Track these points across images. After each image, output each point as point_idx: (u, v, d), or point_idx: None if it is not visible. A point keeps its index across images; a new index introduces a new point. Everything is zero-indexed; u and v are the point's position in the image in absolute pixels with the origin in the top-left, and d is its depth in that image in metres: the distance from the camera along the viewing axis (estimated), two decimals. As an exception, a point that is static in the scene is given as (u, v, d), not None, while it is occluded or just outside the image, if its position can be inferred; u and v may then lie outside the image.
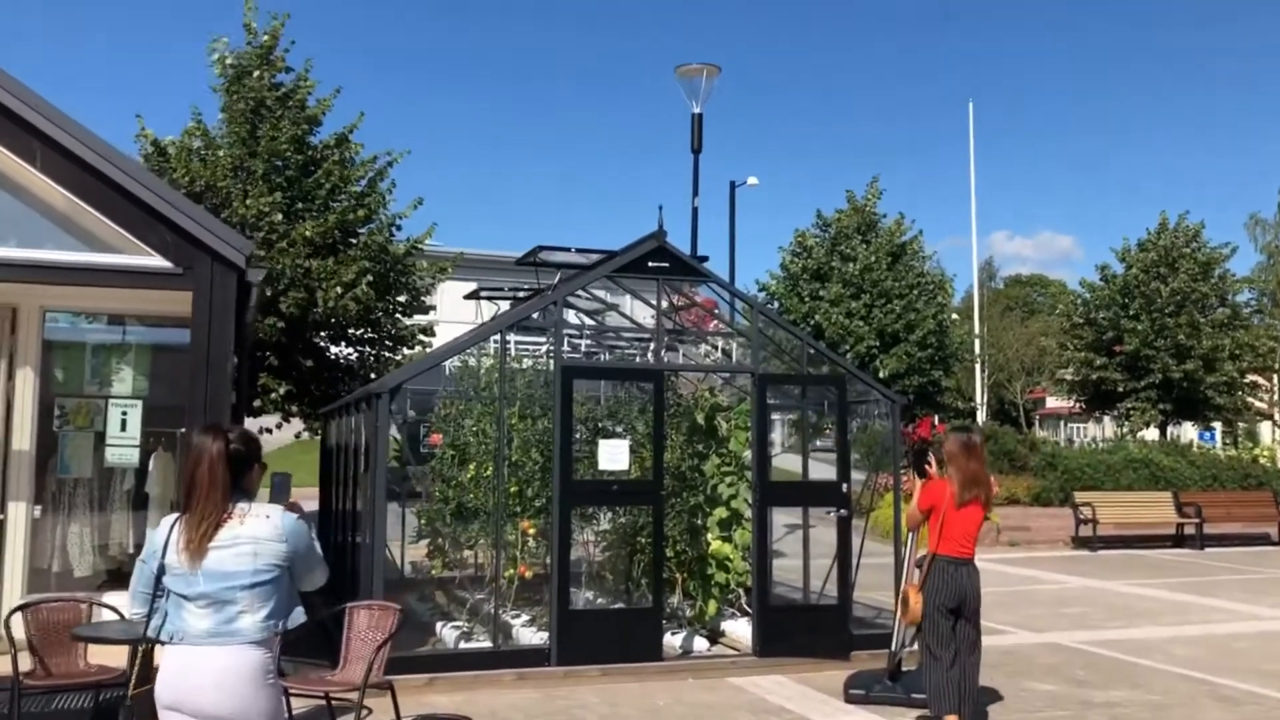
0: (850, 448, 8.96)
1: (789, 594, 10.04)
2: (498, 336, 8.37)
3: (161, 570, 3.48)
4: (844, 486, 8.66)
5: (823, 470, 9.66)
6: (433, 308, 16.83)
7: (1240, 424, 31.22)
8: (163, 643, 3.49)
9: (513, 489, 8.97)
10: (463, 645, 8.37)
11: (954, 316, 29.64)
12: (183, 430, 7.46)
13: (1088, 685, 7.99)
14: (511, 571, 9.00)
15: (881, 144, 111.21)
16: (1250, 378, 27.62)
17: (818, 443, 10.77)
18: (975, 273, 42.72)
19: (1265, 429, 39.18)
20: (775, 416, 12.88)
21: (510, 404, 9.16)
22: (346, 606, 6.36)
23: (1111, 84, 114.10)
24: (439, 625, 9.22)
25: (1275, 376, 33.26)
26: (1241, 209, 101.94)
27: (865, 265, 23.84)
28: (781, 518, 10.18)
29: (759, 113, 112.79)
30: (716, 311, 12.52)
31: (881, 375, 22.33)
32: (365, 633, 6.18)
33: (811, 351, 9.84)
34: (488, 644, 8.13)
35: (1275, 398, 34.54)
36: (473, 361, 10.63)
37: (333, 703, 6.17)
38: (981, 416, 38.30)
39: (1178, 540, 18.65)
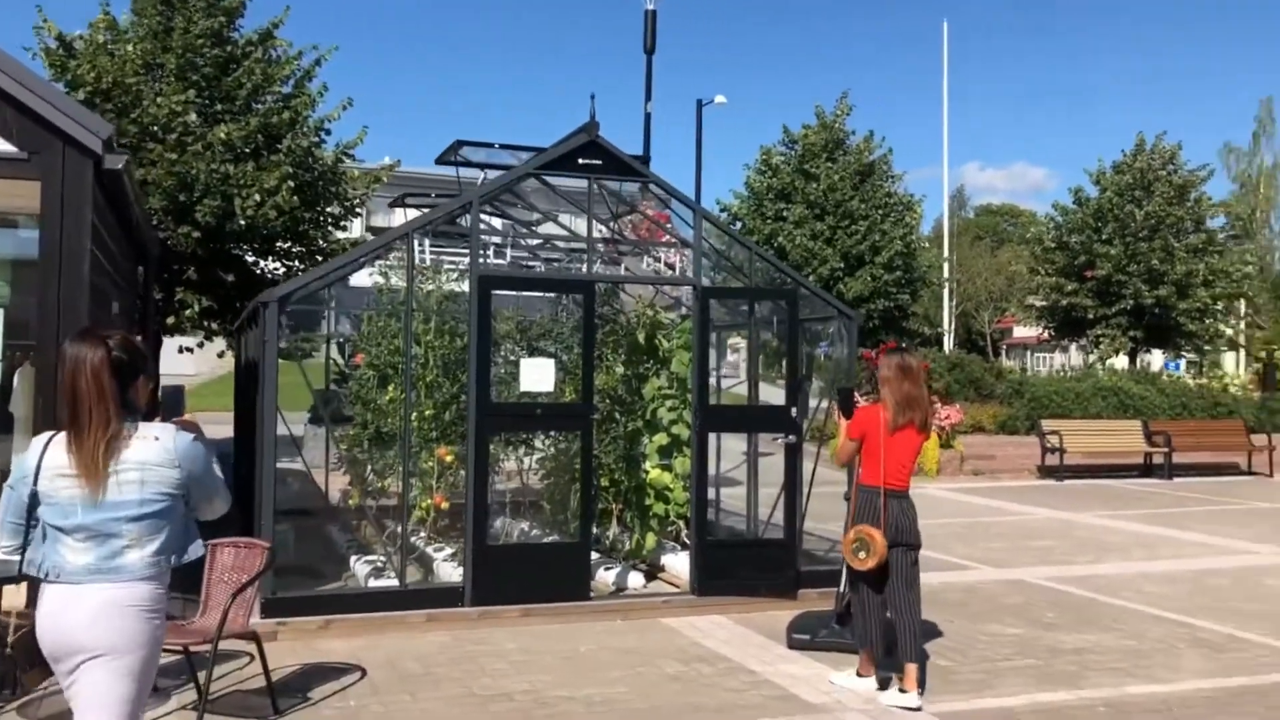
0: (802, 368, 8.12)
1: (737, 526, 9.31)
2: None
3: (34, 499, 3.09)
4: (793, 410, 7.85)
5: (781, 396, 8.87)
6: (373, 228, 15.81)
7: (1206, 352, 30.78)
8: (37, 580, 3.13)
9: (428, 412, 8.11)
10: (371, 583, 7.56)
11: (925, 244, 28.86)
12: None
13: (1056, 628, 7.30)
14: (428, 502, 8.18)
15: (854, 72, 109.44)
16: (1222, 304, 27.06)
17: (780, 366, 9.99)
18: (945, 199, 41.91)
19: (1229, 359, 38.94)
20: (738, 340, 12.07)
21: (427, 319, 8.26)
22: (210, 543, 5.50)
23: (1090, 14, 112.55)
24: (353, 559, 8.43)
25: (1242, 303, 32.81)
26: (1217, 138, 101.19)
27: (830, 185, 22.90)
28: (737, 444, 9.41)
29: (730, 29, 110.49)
30: (669, 226, 11.60)
31: (847, 298, 21.54)
32: (228, 574, 5.34)
33: (760, 264, 8.96)
34: (394, 582, 7.31)
35: (1243, 326, 34.16)
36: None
37: (192, 655, 5.34)
38: (949, 343, 37.74)
39: (1146, 470, 18.13)
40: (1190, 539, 11.31)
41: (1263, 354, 31.06)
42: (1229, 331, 29.41)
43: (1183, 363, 34.28)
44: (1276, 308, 47.40)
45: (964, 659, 6.52)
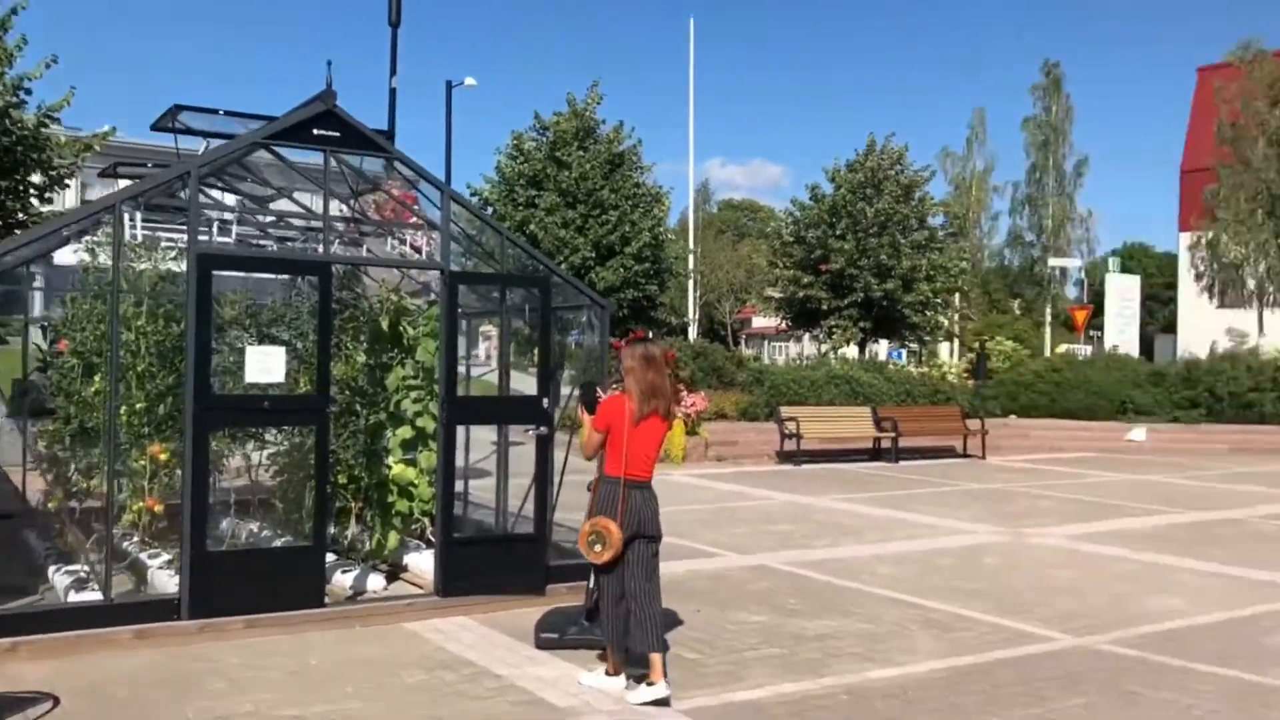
0: (554, 357, 7.89)
1: (487, 521, 8.97)
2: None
3: None
4: (544, 401, 7.60)
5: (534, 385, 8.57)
6: (88, 203, 14.34)
7: (926, 342, 32.98)
8: None
9: (139, 405, 7.31)
10: (72, 597, 6.74)
11: (672, 237, 29.39)
12: None
13: (799, 615, 7.42)
14: (140, 505, 7.39)
15: (605, 65, 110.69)
16: (941, 297, 29.04)
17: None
18: (691, 193, 42.94)
19: (945, 349, 42.04)
20: (490, 328, 11.68)
21: (139, 302, 7.43)
22: None
23: (833, 12, 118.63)
24: (52, 570, 7.51)
25: (957, 297, 35.38)
26: (938, 142, 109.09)
27: (581, 173, 22.87)
28: (487, 434, 9.05)
29: (483, 14, 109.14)
30: (416, 207, 11.08)
31: (598, 288, 21.57)
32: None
33: (512, 250, 8.64)
34: (97, 595, 6.53)
35: (958, 318, 36.86)
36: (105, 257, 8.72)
37: None
38: (693, 333, 38.73)
39: (875, 453, 19.13)
40: (918, 520, 11.93)
41: (975, 344, 33.68)
42: (946, 323, 31.67)
43: (904, 352, 36.63)
44: (985, 302, 51.57)
45: (711, 650, 6.49)
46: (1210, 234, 33.53)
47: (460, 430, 7.83)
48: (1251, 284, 32.94)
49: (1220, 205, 32.88)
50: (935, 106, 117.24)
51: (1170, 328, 58.88)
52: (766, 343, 63.50)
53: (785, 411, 18.51)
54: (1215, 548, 10.31)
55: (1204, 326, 41.89)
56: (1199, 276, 34.78)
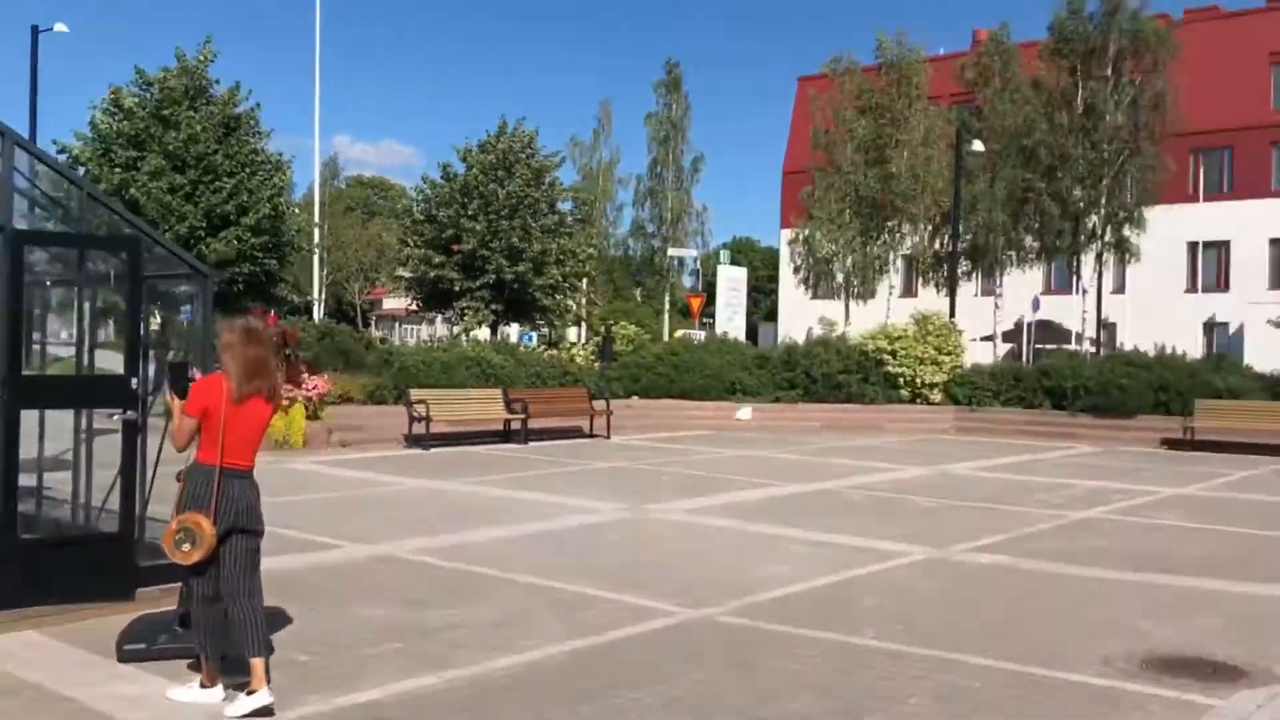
0: (144, 332, 7.00)
1: (65, 519, 7.84)
2: None
3: None
4: (133, 382, 6.72)
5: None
6: None
7: (555, 325, 33.61)
8: None
9: None
10: None
11: (295, 209, 27.81)
12: None
13: (426, 605, 7.08)
14: None
15: (222, 28, 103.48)
16: (570, 282, 29.66)
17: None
18: (317, 166, 40.97)
19: (573, 332, 43.15)
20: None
21: None
22: None
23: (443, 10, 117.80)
24: None
25: (585, 281, 36.38)
26: (568, 131, 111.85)
27: (191, 135, 21.02)
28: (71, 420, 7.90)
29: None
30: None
31: (209, 261, 19.91)
32: None
33: (102, 212, 7.60)
34: None
35: (585, 302, 37.88)
36: None
37: None
38: (318, 313, 37.05)
39: (505, 435, 19.12)
40: (548, 500, 11.95)
41: (601, 328, 34.74)
42: (575, 307, 32.46)
43: (535, 335, 37.11)
44: (611, 288, 53.39)
45: (327, 651, 6.00)
46: (806, 231, 36.63)
47: (37, 416, 6.78)
48: (840, 277, 36.40)
49: (815, 205, 36.01)
50: (565, 97, 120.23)
51: (772, 316, 64.15)
52: (398, 325, 62.18)
53: (415, 394, 18.03)
54: (815, 517, 11.12)
55: (801, 315, 46.03)
56: (797, 270, 37.94)
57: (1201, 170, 46.15)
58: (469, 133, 62.39)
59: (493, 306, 26.86)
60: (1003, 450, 19.14)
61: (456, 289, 26.74)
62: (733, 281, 40.73)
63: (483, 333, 28.48)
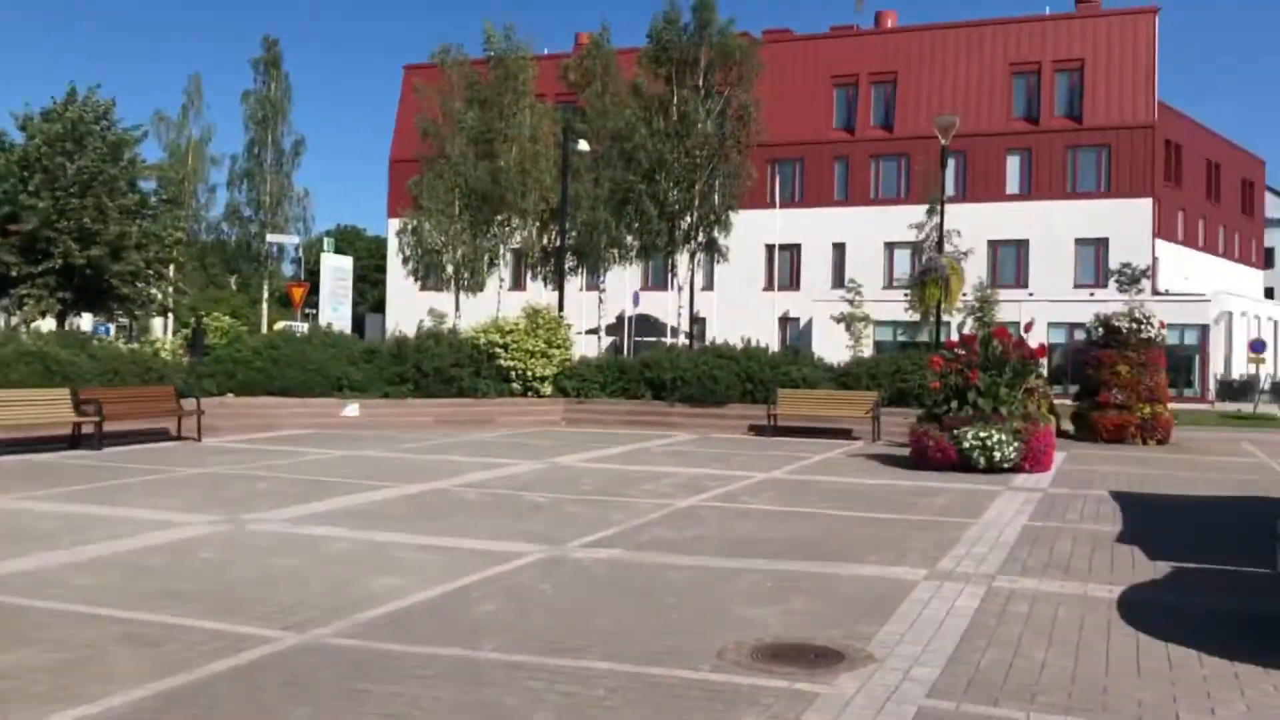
0: None
1: None
2: None
3: None
4: None
5: None
6: None
7: (137, 316, 30.60)
8: None
9: None
10: None
11: None
12: None
13: (-39, 655, 5.91)
14: None
15: None
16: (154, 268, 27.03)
17: None
18: None
19: (158, 324, 39.57)
20: None
21: None
22: None
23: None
24: None
25: (172, 268, 33.46)
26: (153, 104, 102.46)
27: None
28: None
29: None
30: None
31: None
32: None
33: None
34: None
35: (173, 291, 34.81)
36: None
37: None
38: None
39: (75, 441, 16.96)
40: (125, 516, 10.62)
41: (191, 319, 32.00)
42: (160, 296, 29.65)
43: (112, 327, 33.55)
44: (203, 276, 49.64)
45: None
46: (415, 221, 35.99)
47: None
48: (450, 269, 36.11)
49: (424, 195, 35.46)
50: (149, 68, 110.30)
51: (380, 307, 62.66)
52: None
53: (-43, 395, 15.49)
54: (428, 520, 10.72)
55: (410, 307, 45.26)
56: (405, 260, 37.19)
57: (777, 180, 50.55)
58: (31, 98, 55.43)
59: (60, 294, 23.84)
60: (610, 441, 19.73)
61: (14, 274, 23.47)
62: (338, 271, 39.25)
63: (48, 323, 25.24)
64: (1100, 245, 48.79)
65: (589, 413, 24.14)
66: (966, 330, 29.36)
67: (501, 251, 37.81)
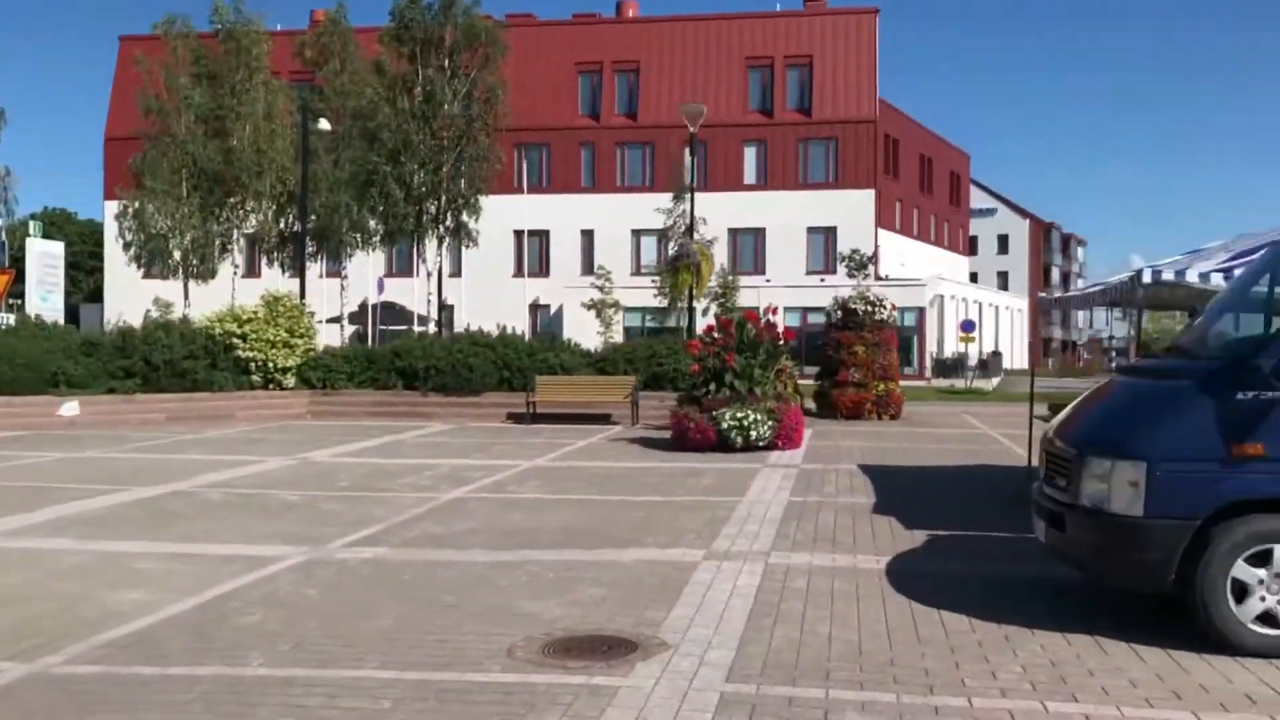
0: None
1: None
2: None
3: None
4: None
5: None
6: None
7: None
8: None
9: None
10: None
11: None
12: None
13: None
14: None
15: None
16: None
17: None
18: None
19: None
20: None
21: None
22: None
23: None
24: None
25: None
26: None
27: None
28: None
29: None
30: None
31: None
32: None
33: None
34: None
35: None
36: None
37: None
38: None
39: None
40: None
41: None
42: None
43: None
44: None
45: None
46: (137, 204, 33.40)
47: None
48: (178, 255, 33.73)
49: (147, 175, 32.93)
50: None
51: (96, 297, 57.82)
52: None
53: None
54: (170, 525, 9.82)
55: (132, 296, 41.87)
56: (127, 246, 34.47)
57: (525, 166, 50.34)
58: None
59: None
60: (361, 434, 18.91)
61: None
62: (47, 257, 35.77)
63: None
64: (829, 233, 51.58)
65: (337, 405, 23.09)
66: (711, 316, 30.23)
67: (235, 236, 35.64)
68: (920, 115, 72.36)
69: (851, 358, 22.11)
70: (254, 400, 22.80)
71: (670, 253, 22.57)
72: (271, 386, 23.37)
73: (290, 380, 23.52)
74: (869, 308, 22.46)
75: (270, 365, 23.27)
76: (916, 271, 52.83)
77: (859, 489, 12.12)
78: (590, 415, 21.66)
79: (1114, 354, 57.35)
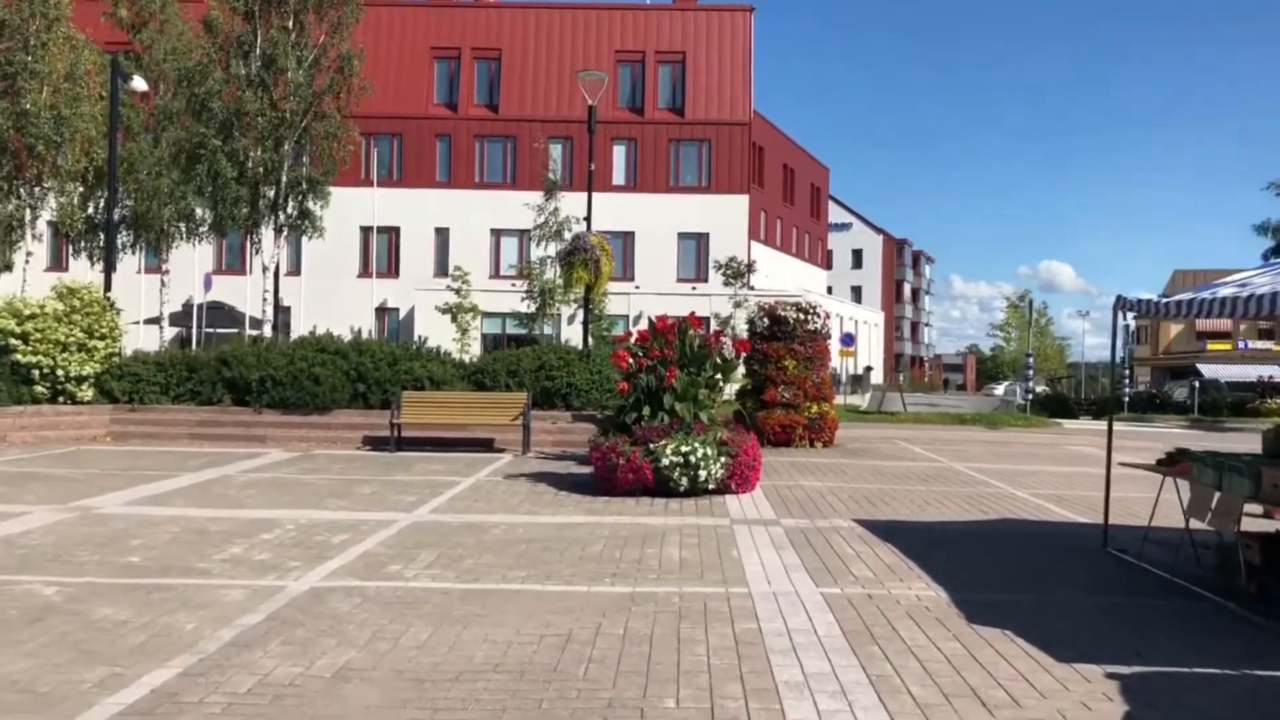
0: None
1: None
2: None
3: None
4: None
5: None
6: None
7: None
8: None
9: None
10: None
11: None
12: None
13: None
14: None
15: None
16: None
17: None
18: None
19: None
20: None
21: None
22: None
23: None
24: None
25: None
26: None
27: None
28: None
29: None
30: None
31: None
32: None
33: None
34: None
35: None
36: None
37: None
38: None
39: None
40: None
41: None
42: None
43: None
44: None
45: None
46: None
47: None
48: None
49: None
50: None
51: None
52: None
53: None
54: None
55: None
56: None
57: (375, 156, 45.71)
58: None
59: None
60: (174, 465, 14.48)
61: None
62: None
63: None
64: (702, 240, 48.78)
65: (146, 424, 18.43)
66: (577, 325, 26.51)
67: (30, 219, 30.00)
68: (783, 126, 70.65)
69: (780, 374, 18.79)
70: (36, 418, 17.95)
71: (564, 246, 18.78)
72: (62, 399, 18.56)
73: (87, 392, 18.75)
74: (800, 315, 19.19)
75: (60, 373, 18.46)
76: (781, 284, 50.52)
77: (899, 570, 8.56)
78: (467, 440, 17.71)
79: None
